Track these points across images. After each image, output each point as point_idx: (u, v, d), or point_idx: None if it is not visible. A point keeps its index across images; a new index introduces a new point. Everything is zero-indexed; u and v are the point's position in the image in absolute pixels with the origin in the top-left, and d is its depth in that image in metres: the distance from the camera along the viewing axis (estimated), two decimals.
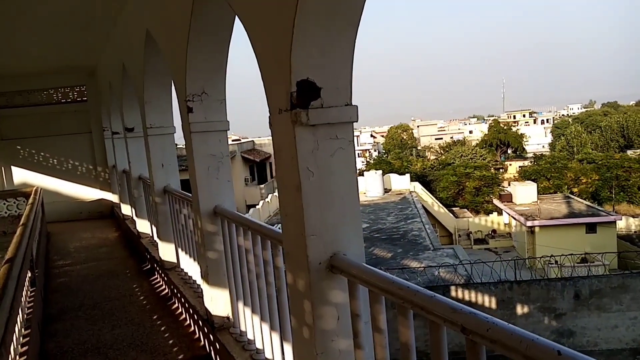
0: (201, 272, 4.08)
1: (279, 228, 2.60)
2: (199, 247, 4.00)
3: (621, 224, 28.74)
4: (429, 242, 20.98)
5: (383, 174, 34.98)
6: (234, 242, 3.52)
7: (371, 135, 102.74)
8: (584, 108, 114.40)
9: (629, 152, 51.55)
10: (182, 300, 4.76)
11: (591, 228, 26.14)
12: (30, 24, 6.70)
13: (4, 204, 10.05)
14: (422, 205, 30.27)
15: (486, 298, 13.21)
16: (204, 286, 4.01)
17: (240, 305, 3.57)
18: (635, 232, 30.62)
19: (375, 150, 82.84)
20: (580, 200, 30.87)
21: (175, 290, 5.07)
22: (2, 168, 11.38)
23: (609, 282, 13.28)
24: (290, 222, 2.27)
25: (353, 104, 2.18)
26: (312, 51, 2.05)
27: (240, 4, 2.57)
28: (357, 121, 2.20)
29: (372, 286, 1.95)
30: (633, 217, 32.49)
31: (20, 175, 11.43)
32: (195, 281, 4.81)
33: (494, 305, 13.19)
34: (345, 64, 2.13)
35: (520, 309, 13.20)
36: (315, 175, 2.13)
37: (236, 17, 3.33)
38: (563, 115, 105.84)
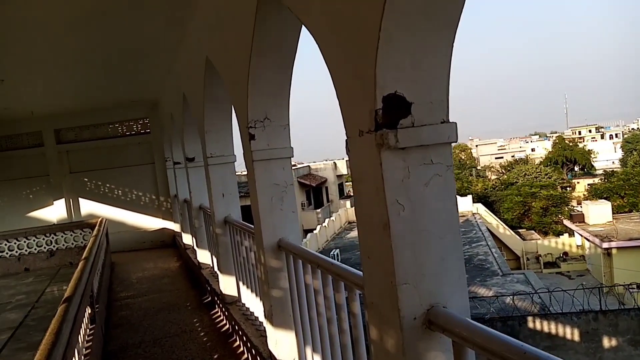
0: (264, 311, 3.74)
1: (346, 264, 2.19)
2: (262, 284, 3.67)
3: None
4: (496, 267, 19.81)
5: None
6: (300, 280, 3.16)
7: None
8: None
9: None
10: (244, 338, 4.43)
11: None
12: (97, 60, 6.82)
13: (71, 235, 10.28)
14: (487, 228, 28.94)
15: (567, 330, 12.08)
16: (268, 327, 3.67)
17: (309, 351, 3.19)
18: None
19: None
20: None
21: (236, 327, 4.77)
22: (71, 200, 11.74)
23: None
24: (374, 266, 1.86)
25: (451, 120, 1.78)
26: (401, 59, 1.68)
27: (308, 12, 2.24)
28: (456, 141, 1.79)
29: (486, 351, 1.50)
30: None
31: (88, 207, 11.73)
32: (257, 318, 4.49)
33: (577, 338, 12.03)
34: (441, 73, 1.74)
35: (607, 342, 11.95)
36: (406, 209, 1.73)
37: (301, 30, 3.12)
38: (633, 129, 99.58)
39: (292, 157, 3.53)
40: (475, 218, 30.82)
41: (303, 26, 2.37)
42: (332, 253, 21.95)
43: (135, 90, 9.75)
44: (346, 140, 1.93)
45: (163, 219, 11.74)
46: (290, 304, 3.42)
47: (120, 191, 11.84)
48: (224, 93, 5.14)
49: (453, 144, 1.84)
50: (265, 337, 3.78)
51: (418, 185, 1.74)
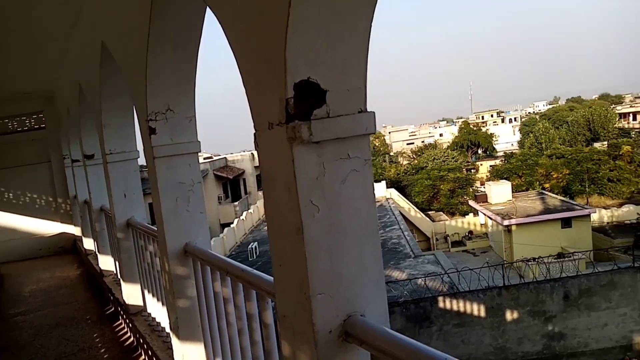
0: (170, 323, 3.43)
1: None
2: (167, 294, 3.35)
3: (594, 216, 29.02)
4: (409, 250, 20.59)
5: None
6: (209, 289, 2.91)
7: None
8: (549, 105, 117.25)
9: (597, 144, 52.72)
10: (150, 352, 4.07)
11: (567, 223, 26.29)
12: None
13: None
14: (400, 212, 29.99)
15: (475, 306, 12.79)
16: (174, 340, 3.36)
17: None
18: (607, 223, 31.00)
19: None
20: (554, 196, 31.12)
21: (141, 340, 4.38)
22: None
23: (598, 280, 13.05)
24: (287, 275, 1.67)
25: (369, 110, 1.62)
26: (314, 40, 1.48)
27: None
28: (374, 132, 1.63)
29: None
30: (605, 208, 32.98)
31: None
32: (164, 329, 4.14)
33: (483, 313, 12.79)
34: (359, 56, 1.56)
35: (510, 315, 12.83)
36: (321, 210, 1.55)
37: (206, 11, 2.83)
38: (530, 113, 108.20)
39: (200, 151, 3.24)
40: (388, 203, 31.84)
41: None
42: (250, 247, 21.65)
43: (27, 81, 8.75)
44: (254, 134, 1.71)
45: (62, 222, 10.74)
46: (198, 314, 3.15)
47: (11, 194, 10.65)
48: (123, 83, 4.68)
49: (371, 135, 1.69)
50: (172, 350, 3.49)
51: (334, 182, 1.56)
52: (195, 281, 3.11)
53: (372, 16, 1.53)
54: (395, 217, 27.39)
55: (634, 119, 70.23)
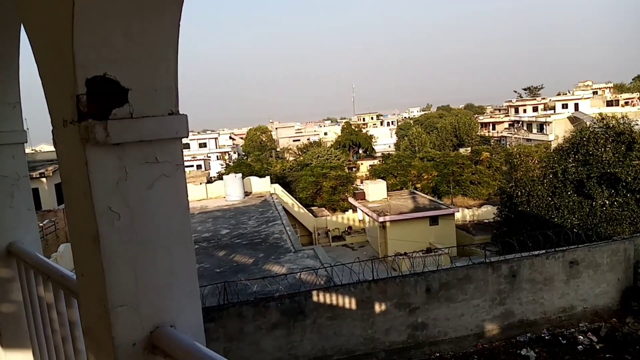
0: None
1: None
2: None
3: (458, 215, 31.81)
4: (290, 244, 20.83)
5: (243, 177, 34.25)
6: (33, 294, 2.63)
7: (230, 137, 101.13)
8: (422, 111, 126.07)
9: (461, 150, 57.77)
10: None
11: (434, 221, 28.41)
12: None
13: None
14: (283, 207, 30.26)
15: (347, 299, 13.32)
16: None
17: None
18: (469, 221, 34.17)
19: (235, 153, 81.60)
20: (424, 195, 33.51)
21: None
22: None
23: (456, 274, 14.28)
24: (87, 286, 1.53)
25: (181, 112, 1.52)
26: (110, 32, 1.34)
27: None
28: (187, 137, 1.54)
29: None
30: (467, 208, 36.29)
31: None
32: None
33: (354, 306, 13.36)
34: (167, 55, 1.46)
35: (378, 307, 13.55)
36: (123, 217, 1.43)
37: None
38: (405, 117, 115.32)
39: (26, 142, 2.89)
40: (272, 198, 31.93)
41: None
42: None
43: None
44: (52, 131, 1.53)
45: None
46: (25, 321, 2.84)
47: None
48: None
49: (185, 140, 1.60)
50: None
51: (139, 188, 1.45)
52: (21, 284, 2.80)
53: (180, 12, 1.44)
54: (278, 212, 27.55)
55: (493, 128, 78.19)
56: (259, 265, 17.97)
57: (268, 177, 36.52)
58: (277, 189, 34.71)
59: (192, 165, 64.57)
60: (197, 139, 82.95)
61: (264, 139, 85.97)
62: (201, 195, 33.84)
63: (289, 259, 18.51)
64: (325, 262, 16.60)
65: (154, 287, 1.51)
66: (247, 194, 33.46)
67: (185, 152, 75.99)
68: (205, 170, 61.94)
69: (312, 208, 38.15)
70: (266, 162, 52.57)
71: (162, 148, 1.48)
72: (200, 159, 68.44)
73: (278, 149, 77.71)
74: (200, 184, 37.66)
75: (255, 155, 62.52)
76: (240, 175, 33.76)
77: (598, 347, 14.13)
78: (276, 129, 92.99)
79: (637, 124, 22.40)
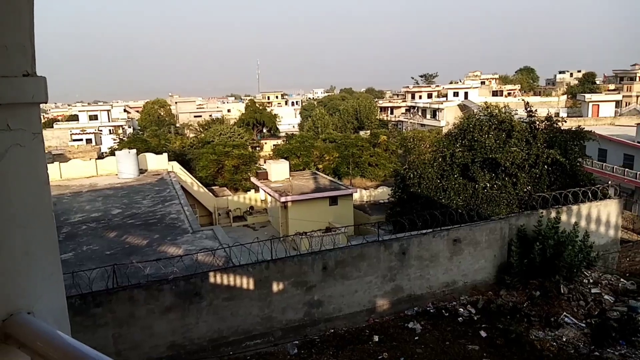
0: None
1: None
2: None
3: (356, 195, 32.96)
4: (187, 225, 20.24)
5: (138, 153, 32.47)
6: None
7: (125, 110, 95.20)
8: (326, 92, 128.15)
9: (362, 133, 59.68)
10: None
11: (334, 201, 29.22)
12: None
13: None
14: (182, 186, 29.22)
15: (245, 280, 13.28)
16: None
17: None
18: (366, 202, 35.57)
19: (129, 127, 77.06)
20: (325, 176, 34.23)
21: None
22: None
23: (351, 252, 14.81)
24: None
25: (39, 74, 1.36)
26: None
27: None
28: (46, 101, 1.39)
29: None
30: (365, 189, 37.73)
31: None
32: None
33: (252, 286, 13.36)
34: (16, 4, 1.29)
35: (276, 287, 13.68)
36: None
37: None
38: (309, 98, 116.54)
39: None
40: (170, 176, 30.70)
41: None
42: None
43: None
44: None
45: None
46: None
47: None
48: None
49: (45, 105, 1.44)
50: None
51: None
52: None
53: None
54: (176, 192, 26.56)
55: (392, 113, 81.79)
56: (153, 247, 17.26)
57: (166, 154, 34.99)
58: (176, 166, 33.43)
59: (80, 140, 59.91)
60: (87, 111, 77.07)
61: (162, 114, 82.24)
62: (90, 172, 31.59)
63: (187, 240, 17.99)
64: (225, 243, 16.37)
65: (7, 270, 1.36)
66: (142, 171, 31.83)
67: (74, 124, 70.22)
68: (96, 145, 57.80)
69: (213, 188, 37.34)
70: (164, 138, 50.39)
71: (15, 113, 1.32)
72: (90, 133, 63.65)
73: (177, 125, 74.75)
74: (90, 159, 35.14)
75: (152, 131, 59.69)
76: (134, 151, 31.96)
77: (476, 318, 15.55)
78: (176, 103, 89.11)
79: (517, 114, 24.65)
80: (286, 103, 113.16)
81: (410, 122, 69.11)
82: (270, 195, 30.38)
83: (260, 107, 75.22)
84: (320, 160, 43.42)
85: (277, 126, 73.25)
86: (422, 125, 65.80)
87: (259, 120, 70.12)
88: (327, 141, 47.18)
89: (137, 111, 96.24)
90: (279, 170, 32.31)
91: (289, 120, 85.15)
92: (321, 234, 22.49)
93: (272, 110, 79.72)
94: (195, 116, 79.95)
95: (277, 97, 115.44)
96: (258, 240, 13.78)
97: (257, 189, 34.74)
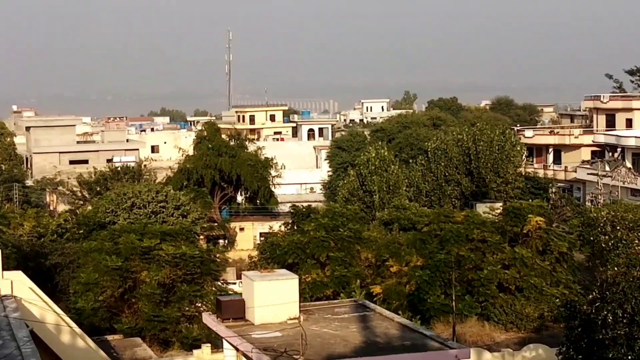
0: None
1: None
2: None
3: None
4: None
5: None
6: None
7: None
8: (393, 109, 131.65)
9: (481, 207, 59.75)
10: None
11: None
12: None
13: None
14: (31, 331, 29.32)
15: None
16: None
17: None
18: None
19: None
20: (388, 314, 33.95)
21: None
22: None
23: None
24: None
25: None
26: None
27: None
28: None
29: None
30: (491, 349, 37.17)
31: None
32: None
33: None
34: None
35: None
36: None
37: None
38: (349, 121, 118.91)
39: None
40: (5, 307, 30.92)
41: None
42: None
43: None
44: None
45: None
46: None
47: None
48: None
49: None
50: None
51: None
52: None
53: None
54: (20, 351, 26.59)
55: (556, 157, 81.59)
56: None
57: None
58: (20, 285, 33.50)
59: None
60: None
61: None
62: None
63: None
64: None
65: None
66: None
67: None
68: None
69: (110, 338, 37.26)
70: None
71: None
72: None
73: (30, 182, 76.15)
74: None
75: None
76: None
77: None
78: (27, 129, 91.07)
79: None
80: (295, 132, 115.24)
81: (604, 184, 68.64)
82: None
83: (231, 140, 76.28)
84: (376, 274, 43.12)
85: (272, 188, 73.86)
86: (636, 192, 65.23)
87: (224, 171, 70.89)
88: (392, 226, 46.95)
89: None
90: (273, 297, 31.87)
91: (298, 174, 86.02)
92: None
93: (259, 149, 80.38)
94: (72, 162, 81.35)
95: (269, 116, 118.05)
96: None
97: (215, 345, 34.33)
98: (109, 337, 36.96)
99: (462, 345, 31.71)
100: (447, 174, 70.35)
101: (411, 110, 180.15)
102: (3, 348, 26.18)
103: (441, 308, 42.48)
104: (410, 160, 73.56)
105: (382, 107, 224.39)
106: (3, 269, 33.91)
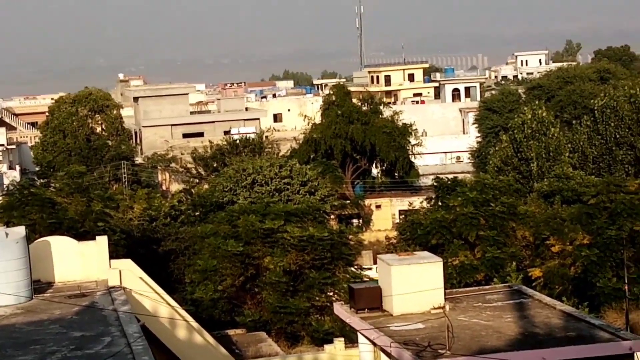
0: None
1: None
2: None
3: None
4: None
5: (32, 237, 33.85)
6: None
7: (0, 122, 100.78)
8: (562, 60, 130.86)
9: None
10: None
11: None
12: None
13: None
14: (143, 326, 29.93)
15: None
16: None
17: None
18: None
19: (12, 166, 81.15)
20: (549, 300, 33.77)
21: None
22: None
23: None
24: None
25: None
26: None
27: None
28: None
29: None
30: None
31: None
32: None
33: None
34: None
35: None
36: None
37: None
38: (508, 78, 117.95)
39: None
40: (114, 299, 31.59)
41: None
42: None
43: None
44: None
45: None
46: None
47: None
48: None
49: None
50: None
51: None
52: None
53: None
54: (131, 349, 27.21)
55: None
56: None
57: (104, 240, 35.94)
58: (129, 274, 34.21)
59: None
60: None
61: (99, 126, 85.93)
62: None
63: None
64: None
65: None
66: (39, 287, 32.80)
67: None
68: None
69: (232, 333, 37.77)
70: (101, 196, 51.99)
71: None
72: None
73: (139, 159, 77.51)
74: None
75: (69, 174, 61.94)
76: (20, 232, 33.14)
77: None
78: (135, 99, 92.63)
79: None
80: (438, 93, 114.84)
81: None
82: (390, 358, 29.93)
83: (364, 105, 76.28)
84: (534, 254, 42.78)
85: (412, 158, 73.71)
86: None
87: (357, 140, 70.86)
88: (553, 199, 46.48)
89: (33, 125, 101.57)
90: (414, 283, 31.87)
91: (441, 141, 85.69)
92: None
93: (396, 113, 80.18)
94: (186, 135, 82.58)
95: (407, 76, 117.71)
96: None
97: (350, 339, 34.50)
98: (230, 332, 37.42)
99: (637, 336, 31.20)
100: (618, 135, 68.95)
101: (574, 63, 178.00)
102: (112, 345, 26.81)
103: (612, 293, 41.94)
104: (574, 122, 72.50)
105: (540, 61, 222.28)
106: (111, 258, 34.71)
